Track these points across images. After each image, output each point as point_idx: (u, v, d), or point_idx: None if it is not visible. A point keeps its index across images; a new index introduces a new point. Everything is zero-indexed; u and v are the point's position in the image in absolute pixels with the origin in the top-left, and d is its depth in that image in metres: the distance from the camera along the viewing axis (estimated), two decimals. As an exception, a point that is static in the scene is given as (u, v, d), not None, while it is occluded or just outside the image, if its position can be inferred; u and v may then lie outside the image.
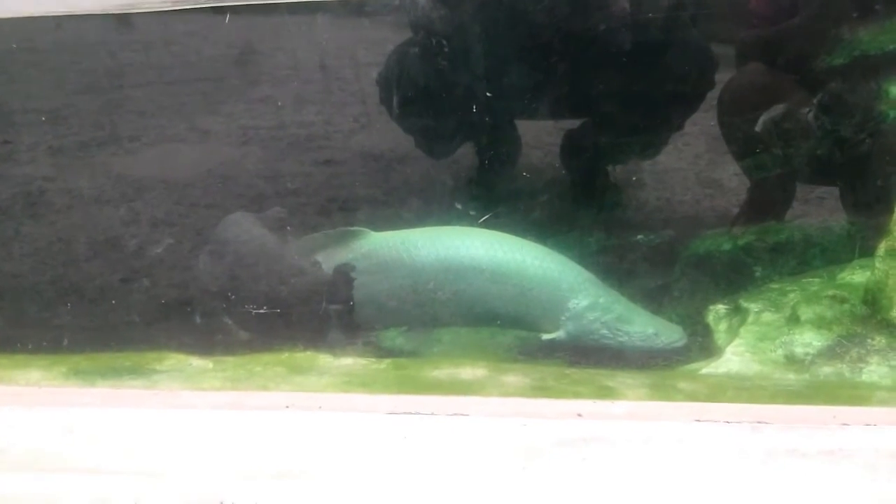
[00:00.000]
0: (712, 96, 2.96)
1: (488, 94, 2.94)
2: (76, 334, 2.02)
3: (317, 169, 3.32)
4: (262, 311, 2.04)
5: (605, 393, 1.47)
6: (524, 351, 2.05)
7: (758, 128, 2.69)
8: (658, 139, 3.07)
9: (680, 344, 2.02)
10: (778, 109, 2.72)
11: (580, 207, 3.05)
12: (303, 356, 1.61)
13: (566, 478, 1.10)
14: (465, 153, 3.19)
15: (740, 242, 2.57)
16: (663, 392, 1.49)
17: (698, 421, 1.19)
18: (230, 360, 1.59)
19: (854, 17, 2.68)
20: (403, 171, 3.32)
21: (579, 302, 2.02)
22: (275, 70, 3.95)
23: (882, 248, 1.86)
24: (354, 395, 1.31)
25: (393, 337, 2.22)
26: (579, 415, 1.23)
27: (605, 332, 2.01)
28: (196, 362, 1.56)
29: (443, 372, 1.57)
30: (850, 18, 2.67)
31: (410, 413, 1.23)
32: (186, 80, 4.15)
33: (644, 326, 2.04)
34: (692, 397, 1.45)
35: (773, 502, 1.03)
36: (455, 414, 1.22)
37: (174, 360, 1.58)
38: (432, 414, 1.22)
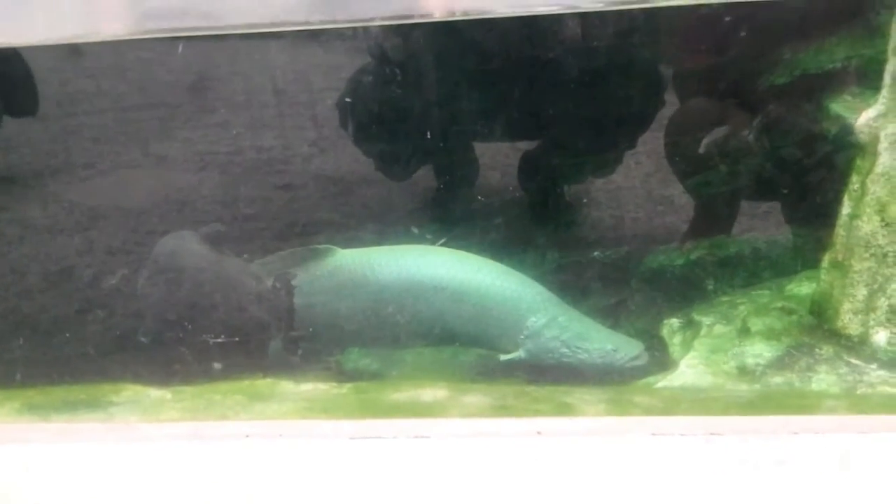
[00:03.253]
0: (662, 115, 3.03)
1: (443, 117, 2.96)
2: (30, 368, 1.96)
3: (275, 193, 3.28)
4: (208, 333, 2.01)
5: (565, 410, 1.47)
6: (485, 370, 2.04)
7: (701, 150, 2.76)
8: (611, 158, 3.13)
9: (640, 360, 2.02)
10: (720, 132, 2.80)
11: (537, 226, 3.08)
12: (263, 383, 1.58)
13: (528, 495, 1.09)
14: (425, 175, 3.20)
15: (692, 257, 2.63)
16: (620, 407, 1.49)
17: (654, 435, 1.19)
18: (188, 389, 1.56)
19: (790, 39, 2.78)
20: (362, 193, 3.31)
21: (538, 320, 2.02)
22: (231, 96, 3.91)
23: (826, 260, 1.90)
24: (316, 421, 1.29)
25: (356, 359, 2.21)
26: (539, 433, 1.22)
27: (564, 350, 2.01)
28: (154, 393, 1.52)
29: (404, 394, 1.55)
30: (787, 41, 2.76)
31: (373, 437, 1.21)
32: (141, 107, 4.09)
33: (603, 343, 2.04)
34: (648, 411, 1.45)
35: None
36: (417, 437, 1.21)
37: (131, 391, 1.53)
38: (394, 437, 1.20)
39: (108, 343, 2.23)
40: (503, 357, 2.02)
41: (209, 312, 2.09)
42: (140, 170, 3.59)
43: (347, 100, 3.03)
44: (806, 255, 2.67)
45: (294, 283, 2.09)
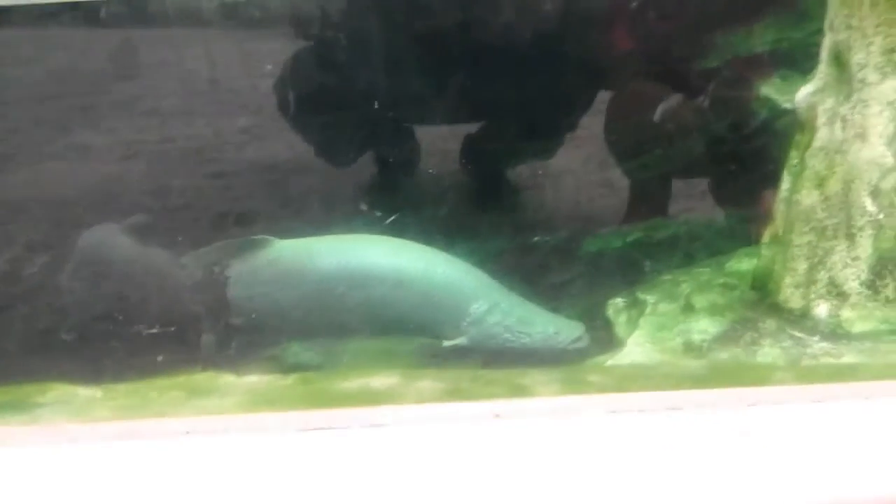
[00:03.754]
0: (601, 99, 3.05)
1: (385, 101, 2.90)
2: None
3: (207, 182, 3.16)
4: (136, 328, 1.94)
5: (520, 391, 1.44)
6: (430, 358, 2.01)
7: (656, 118, 2.79)
8: (552, 142, 3.13)
9: (582, 341, 2.04)
10: (674, 99, 2.83)
11: (480, 211, 3.06)
12: (202, 377, 1.50)
13: (491, 479, 1.05)
14: (364, 161, 3.13)
15: (629, 239, 2.69)
16: (575, 386, 1.47)
17: (613, 412, 1.17)
18: (121, 387, 1.46)
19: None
20: (299, 181, 3.21)
21: (480, 307, 2.02)
22: (161, 83, 3.76)
23: (767, 235, 1.92)
24: (261, 414, 1.22)
25: (296, 352, 2.14)
26: (497, 415, 1.19)
27: (507, 335, 2.01)
28: (83, 392, 1.41)
29: (353, 383, 1.49)
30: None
31: (323, 428, 1.15)
32: (64, 96, 3.90)
33: (545, 326, 2.05)
34: (603, 389, 1.43)
35: (698, 485, 1.02)
36: (371, 425, 1.15)
37: (58, 391, 1.42)
38: (346, 427, 1.14)
39: (31, 341, 2.10)
40: (446, 343, 2.00)
41: (135, 306, 2.01)
42: (63, 161, 3.42)
43: (284, 83, 2.95)
44: (738, 234, 2.75)
45: (231, 274, 2.04)
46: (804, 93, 1.84)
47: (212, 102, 3.78)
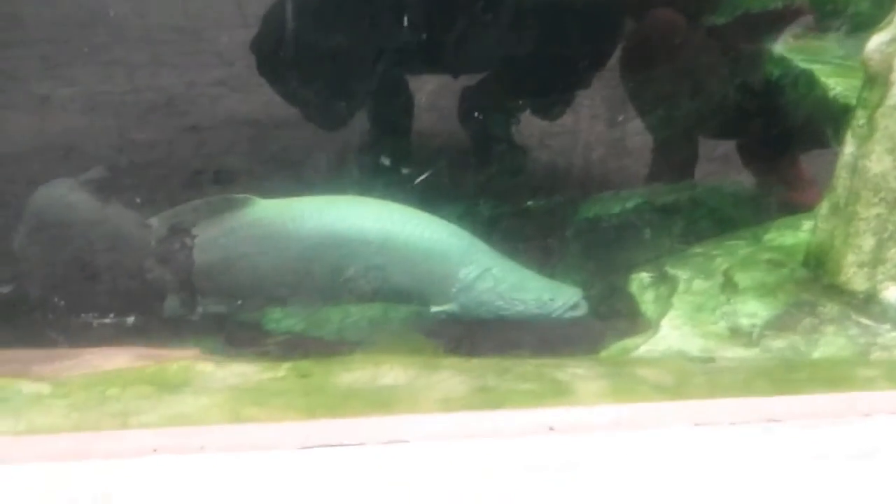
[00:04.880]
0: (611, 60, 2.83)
1: (374, 53, 2.61)
2: None
3: (180, 136, 2.86)
4: (94, 299, 1.72)
5: (560, 390, 1.19)
6: (417, 326, 1.94)
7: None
8: (560, 99, 2.87)
9: (579, 309, 1.94)
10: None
11: (478, 172, 2.84)
12: (174, 369, 1.22)
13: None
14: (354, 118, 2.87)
15: (629, 205, 2.56)
16: (625, 382, 1.23)
17: (698, 425, 0.92)
18: (76, 380, 1.18)
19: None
20: (281, 137, 2.93)
21: (470, 272, 1.93)
22: (128, 31, 3.43)
23: (825, 205, 1.67)
24: (250, 425, 0.95)
25: (278, 319, 2.03)
26: (551, 428, 0.94)
27: (499, 302, 1.92)
28: (27, 387, 1.13)
29: (357, 375, 1.23)
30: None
31: (332, 445, 0.89)
32: (21, 43, 3.58)
33: (539, 293, 1.95)
34: (660, 388, 1.19)
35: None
36: (391, 441, 0.89)
37: (-5, 385, 1.15)
38: (361, 444, 0.89)
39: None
40: (434, 309, 1.91)
41: (92, 272, 1.77)
42: (18, 111, 3.13)
43: (263, 41, 2.64)
44: (745, 202, 2.61)
45: (207, 235, 1.92)
46: (876, 42, 1.59)
47: (182, 53, 3.46)
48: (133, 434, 0.92)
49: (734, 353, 1.51)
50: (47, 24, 3.63)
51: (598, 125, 3.21)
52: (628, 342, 1.63)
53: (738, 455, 0.89)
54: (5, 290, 1.87)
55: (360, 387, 1.19)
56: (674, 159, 2.77)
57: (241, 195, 1.95)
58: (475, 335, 1.95)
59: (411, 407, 1.11)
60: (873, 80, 1.60)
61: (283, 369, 1.27)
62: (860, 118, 1.62)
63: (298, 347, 1.97)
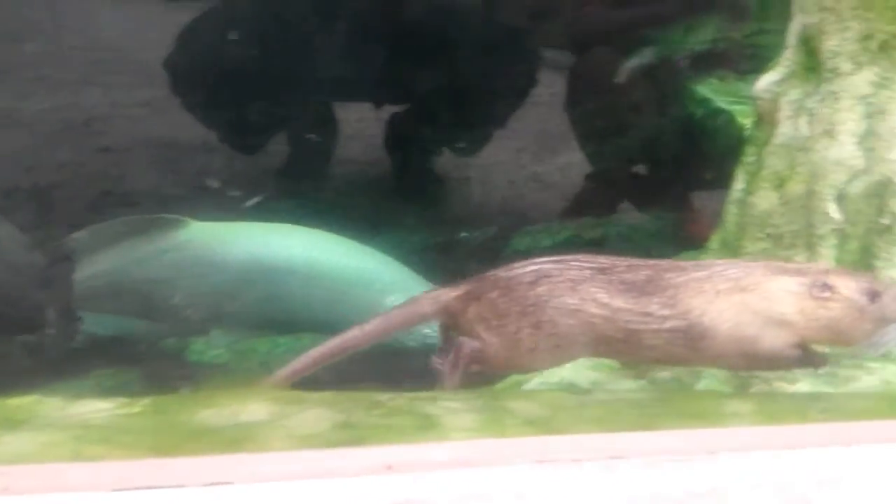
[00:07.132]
0: (535, 93, 2.87)
1: (298, 78, 2.58)
2: None
3: (92, 157, 2.77)
4: None
5: (426, 424, 1.15)
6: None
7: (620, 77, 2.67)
8: (480, 133, 2.88)
9: None
10: (647, 54, 2.69)
11: (404, 202, 2.82)
12: (19, 403, 1.15)
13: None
14: (279, 141, 2.83)
15: (559, 238, 2.53)
16: (495, 416, 1.18)
17: (540, 462, 0.89)
18: None
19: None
20: (199, 160, 2.85)
21: (397, 301, 1.81)
22: (50, 50, 3.33)
23: (714, 240, 1.68)
24: (61, 465, 0.88)
25: (201, 350, 1.98)
26: (389, 467, 0.89)
27: (427, 330, 1.83)
28: None
29: (218, 412, 1.16)
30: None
31: (148, 487, 0.83)
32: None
33: None
34: (530, 422, 1.15)
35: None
36: (212, 483, 0.84)
37: None
38: (180, 486, 0.83)
39: None
40: None
41: None
42: None
43: (178, 61, 2.58)
44: (668, 237, 2.66)
45: (133, 254, 1.91)
46: (766, 82, 1.61)
47: (110, 72, 3.38)
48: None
49: (622, 385, 1.49)
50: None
51: (524, 158, 3.22)
52: (520, 377, 1.60)
53: (576, 494, 0.85)
54: None
55: (216, 423, 1.13)
56: (601, 193, 2.82)
57: (173, 216, 1.92)
58: (381, 365, 1.89)
59: (262, 445, 1.05)
60: (761, 119, 1.61)
61: (139, 405, 1.20)
62: (750, 155, 1.64)
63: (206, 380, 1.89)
